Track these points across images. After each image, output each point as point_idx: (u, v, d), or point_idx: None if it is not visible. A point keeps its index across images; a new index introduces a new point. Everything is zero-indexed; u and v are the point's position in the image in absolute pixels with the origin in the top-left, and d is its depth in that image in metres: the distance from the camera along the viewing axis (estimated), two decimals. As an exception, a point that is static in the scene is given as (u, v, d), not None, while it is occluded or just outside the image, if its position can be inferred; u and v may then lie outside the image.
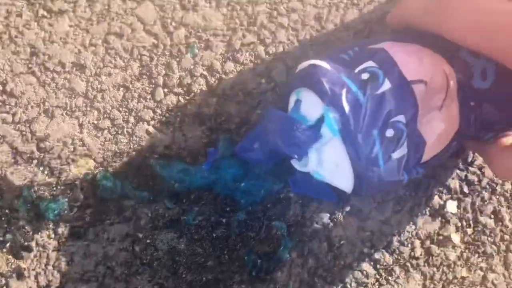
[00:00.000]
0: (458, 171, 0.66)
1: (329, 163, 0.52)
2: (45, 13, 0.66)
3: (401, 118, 0.49)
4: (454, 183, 0.66)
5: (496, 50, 0.46)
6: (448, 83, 0.50)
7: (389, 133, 0.49)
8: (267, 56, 0.66)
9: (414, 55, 0.51)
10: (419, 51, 0.52)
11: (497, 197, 0.66)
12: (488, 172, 0.66)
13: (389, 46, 0.52)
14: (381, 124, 0.48)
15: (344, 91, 0.48)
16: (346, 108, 0.48)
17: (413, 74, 0.49)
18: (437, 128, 0.51)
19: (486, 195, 0.66)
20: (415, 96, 0.48)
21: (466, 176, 0.66)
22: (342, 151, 0.50)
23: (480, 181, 0.66)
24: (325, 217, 0.65)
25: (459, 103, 0.53)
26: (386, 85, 0.48)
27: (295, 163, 0.56)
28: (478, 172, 0.66)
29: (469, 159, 0.66)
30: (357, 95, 0.48)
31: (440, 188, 0.65)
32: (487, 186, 0.66)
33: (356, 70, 0.50)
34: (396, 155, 0.50)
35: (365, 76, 0.49)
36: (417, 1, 0.54)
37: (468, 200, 0.66)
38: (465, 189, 0.66)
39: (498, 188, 0.66)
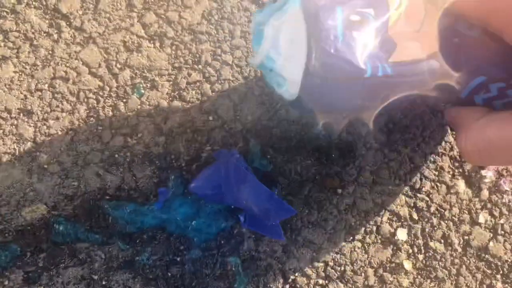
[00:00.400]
0: (407, 198, 0.75)
1: (285, 40, 0.52)
2: (-10, 61, 0.74)
3: (370, 11, 0.52)
4: (403, 210, 0.75)
5: None
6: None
7: (354, 18, 0.51)
8: (213, 93, 0.75)
9: None
10: None
11: (446, 222, 0.75)
12: (436, 198, 0.75)
13: None
14: (347, 6, 0.51)
15: None
16: None
17: None
18: (412, 41, 0.53)
19: (435, 220, 0.75)
20: (387, 3, 0.53)
21: (415, 203, 0.75)
22: (299, 22, 0.51)
23: (429, 207, 0.75)
24: (279, 250, 0.73)
25: (439, 28, 0.54)
26: None
27: (254, 47, 0.57)
28: (427, 198, 0.75)
29: (417, 186, 0.75)
30: None
31: (390, 216, 0.75)
32: (436, 212, 0.75)
33: None
34: (358, 35, 0.51)
35: None
36: None
37: (418, 226, 0.75)
38: (415, 216, 0.75)
39: (447, 213, 0.75)
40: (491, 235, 0.82)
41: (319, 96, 0.54)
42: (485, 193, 0.83)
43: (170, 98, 0.81)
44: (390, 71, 0.52)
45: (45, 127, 0.80)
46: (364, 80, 0.52)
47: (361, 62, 0.50)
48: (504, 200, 0.83)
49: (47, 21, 0.82)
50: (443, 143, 0.84)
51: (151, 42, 0.83)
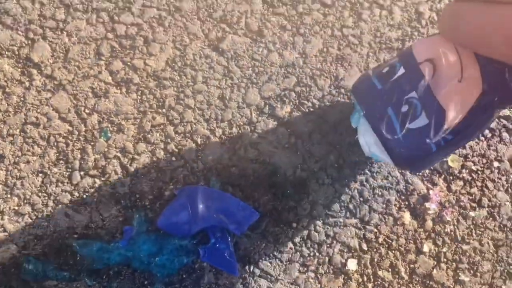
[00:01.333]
0: (356, 230, 0.82)
1: (370, 143, 0.73)
2: (-37, 108, 0.79)
3: (413, 94, 0.66)
4: (353, 241, 0.81)
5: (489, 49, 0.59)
6: (459, 56, 0.63)
7: (404, 108, 0.66)
8: (176, 135, 0.81)
9: (429, 39, 0.68)
10: (437, 37, 0.68)
11: (393, 251, 0.82)
12: (384, 229, 0.83)
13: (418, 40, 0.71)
14: (396, 102, 0.66)
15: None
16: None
17: (423, 55, 0.66)
18: (456, 96, 0.63)
19: (383, 250, 0.82)
20: (423, 74, 0.65)
21: (364, 234, 0.82)
22: (370, 130, 0.71)
23: (377, 238, 0.82)
24: (237, 283, 0.79)
25: (480, 66, 0.63)
26: (401, 71, 0.67)
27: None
28: (375, 230, 0.82)
29: (366, 218, 0.82)
30: (376, 84, 0.69)
31: (341, 247, 0.81)
32: (384, 242, 0.82)
33: (384, 69, 0.71)
34: (413, 125, 0.66)
35: (385, 69, 0.70)
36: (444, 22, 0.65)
37: (367, 256, 0.81)
38: (364, 247, 0.82)
39: (394, 244, 0.82)
40: (435, 263, 0.89)
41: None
42: (429, 224, 0.90)
43: (136, 141, 0.87)
44: (451, 137, 0.65)
45: (16, 170, 0.84)
46: (434, 154, 0.67)
47: (423, 143, 0.66)
48: (446, 230, 0.90)
49: (19, 70, 0.88)
50: (389, 178, 0.91)
51: (118, 88, 0.89)
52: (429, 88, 0.65)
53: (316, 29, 0.95)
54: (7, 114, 0.86)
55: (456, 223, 0.90)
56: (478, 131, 0.67)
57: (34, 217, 0.83)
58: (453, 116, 0.64)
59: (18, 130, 0.85)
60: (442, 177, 0.92)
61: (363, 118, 0.73)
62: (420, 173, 0.90)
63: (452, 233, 0.90)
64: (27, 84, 0.87)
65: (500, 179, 0.93)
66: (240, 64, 0.92)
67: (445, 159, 0.92)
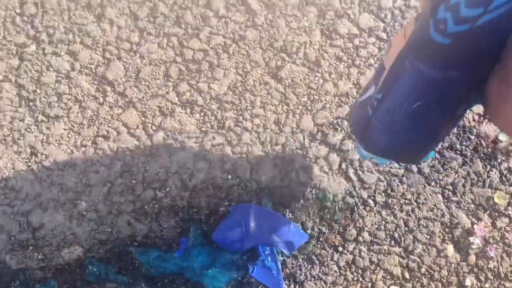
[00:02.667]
0: (400, 258, 0.85)
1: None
2: (44, 118, 0.87)
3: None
4: (396, 270, 0.84)
5: None
6: None
7: None
8: (233, 155, 0.87)
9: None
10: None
11: (435, 283, 0.85)
12: (427, 260, 0.85)
13: None
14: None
15: None
16: None
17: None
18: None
19: (425, 281, 0.84)
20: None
21: (407, 263, 0.85)
22: None
23: (419, 268, 0.85)
24: (283, 299, 0.83)
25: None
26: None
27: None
28: (418, 259, 0.85)
29: (410, 248, 0.85)
30: None
31: (384, 274, 0.84)
32: (426, 273, 0.85)
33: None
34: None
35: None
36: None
37: (409, 285, 0.84)
38: (407, 275, 0.84)
39: (436, 275, 0.85)
40: (477, 297, 0.91)
41: None
42: (472, 258, 0.92)
43: (196, 158, 0.93)
44: (380, 96, 0.64)
45: (86, 178, 0.92)
46: (372, 119, 0.64)
47: None
48: (490, 266, 0.92)
49: (95, 86, 0.96)
50: (435, 210, 0.94)
51: (183, 108, 0.95)
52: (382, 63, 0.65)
53: (371, 62, 1.00)
54: (81, 126, 0.93)
55: (500, 260, 0.92)
56: (409, 96, 0.61)
57: (99, 223, 0.90)
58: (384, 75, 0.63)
59: (90, 142, 0.93)
60: (488, 212, 0.94)
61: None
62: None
63: (495, 269, 0.92)
64: (101, 100, 0.95)
65: (546, 219, 0.94)
66: (296, 92, 0.97)
67: (490, 195, 0.94)
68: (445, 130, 0.66)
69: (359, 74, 0.98)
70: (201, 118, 0.94)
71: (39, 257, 0.87)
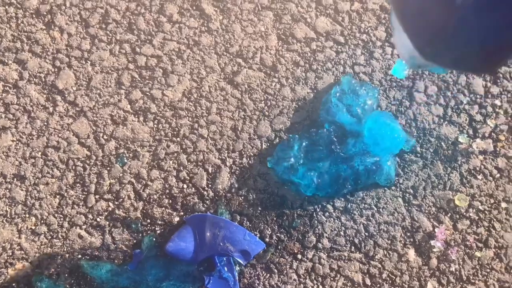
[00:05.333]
0: (360, 264, 0.83)
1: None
2: (-9, 130, 0.84)
3: None
4: (357, 276, 0.83)
5: None
6: None
7: None
8: (188, 163, 0.85)
9: None
10: None
11: (397, 288, 0.83)
12: (388, 265, 0.84)
13: None
14: None
15: None
16: None
17: None
18: None
19: (386, 286, 0.83)
20: None
21: (368, 269, 0.83)
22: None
23: (381, 273, 0.83)
24: (241, 311, 0.81)
25: None
26: None
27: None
28: (379, 265, 0.83)
29: (371, 253, 0.84)
30: None
31: (345, 281, 0.82)
32: (388, 278, 0.83)
33: None
34: None
35: None
36: None
37: (371, 291, 0.83)
38: (368, 282, 0.83)
39: (397, 280, 0.83)
40: (439, 301, 0.90)
41: None
42: (434, 262, 0.91)
43: (150, 167, 0.91)
44: None
45: (35, 191, 0.89)
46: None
47: None
48: (451, 269, 0.91)
49: (44, 96, 0.93)
50: (395, 214, 0.93)
51: (136, 116, 0.93)
52: None
53: (329, 66, 0.99)
54: (30, 137, 0.91)
55: (461, 263, 0.91)
56: None
57: (49, 237, 0.87)
58: None
59: (39, 153, 0.90)
60: (448, 215, 0.93)
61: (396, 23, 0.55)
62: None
63: (457, 272, 0.91)
64: (51, 109, 0.92)
65: (508, 220, 0.94)
66: (253, 97, 0.96)
67: (451, 197, 0.94)
68: None
69: (316, 79, 0.97)
70: (155, 126, 0.92)
71: (-14, 274, 0.84)
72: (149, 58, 0.95)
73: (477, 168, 0.94)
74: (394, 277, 0.89)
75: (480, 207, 0.93)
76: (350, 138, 0.91)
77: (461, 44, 0.50)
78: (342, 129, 0.91)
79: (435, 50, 0.54)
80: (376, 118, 0.90)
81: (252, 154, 0.92)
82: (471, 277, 0.90)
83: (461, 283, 0.89)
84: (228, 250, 0.83)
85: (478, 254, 0.91)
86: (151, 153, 0.90)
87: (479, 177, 0.94)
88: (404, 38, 0.56)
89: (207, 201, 0.89)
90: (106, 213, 0.87)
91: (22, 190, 0.87)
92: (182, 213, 0.88)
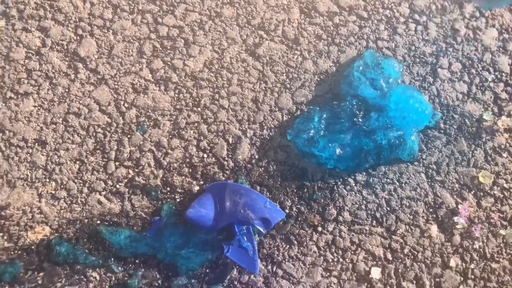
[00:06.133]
0: (382, 239, 0.82)
1: None
2: (12, 95, 0.84)
3: None
4: (378, 250, 0.81)
5: None
6: None
7: None
8: (209, 133, 0.84)
9: None
10: None
11: (419, 264, 0.81)
12: (410, 240, 0.82)
13: None
14: None
15: None
16: None
17: None
18: None
19: (408, 262, 0.82)
20: None
21: (389, 244, 0.82)
22: None
23: (402, 248, 0.82)
24: (259, 282, 0.80)
25: None
26: None
27: None
28: (401, 240, 0.82)
29: (393, 228, 0.82)
30: None
31: (366, 255, 0.81)
32: (409, 254, 0.82)
33: None
34: None
35: None
36: None
37: (392, 266, 0.81)
38: (389, 256, 0.81)
39: (420, 256, 0.82)
40: (462, 279, 0.88)
41: None
42: (457, 239, 0.90)
43: (170, 136, 0.91)
44: None
45: (56, 156, 0.89)
46: None
47: None
48: (475, 246, 0.89)
49: (66, 63, 0.94)
50: (418, 189, 0.91)
51: (157, 85, 0.93)
52: None
53: (351, 40, 0.98)
54: (52, 103, 0.91)
55: (485, 240, 0.89)
56: None
57: (69, 202, 0.87)
58: None
59: (61, 119, 0.90)
60: (472, 192, 0.91)
61: None
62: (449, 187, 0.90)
63: (481, 250, 0.89)
64: (72, 76, 0.92)
65: (533, 199, 0.92)
66: (275, 70, 0.95)
67: (475, 174, 0.92)
68: None
69: (339, 52, 0.97)
70: (176, 95, 0.92)
71: (5, 237, 0.84)
72: (171, 28, 0.95)
73: (502, 146, 0.93)
74: (416, 253, 0.87)
75: (505, 185, 0.91)
76: (373, 112, 0.90)
77: None
78: (365, 103, 0.90)
79: None
80: (403, 91, 0.89)
81: (273, 126, 0.92)
82: (495, 255, 0.88)
83: (484, 261, 0.87)
84: (248, 217, 0.82)
85: (502, 232, 0.90)
86: (172, 122, 0.90)
87: (504, 155, 0.92)
88: None
89: (227, 171, 0.89)
90: (125, 180, 0.87)
91: (43, 155, 0.87)
92: (202, 182, 0.88)
